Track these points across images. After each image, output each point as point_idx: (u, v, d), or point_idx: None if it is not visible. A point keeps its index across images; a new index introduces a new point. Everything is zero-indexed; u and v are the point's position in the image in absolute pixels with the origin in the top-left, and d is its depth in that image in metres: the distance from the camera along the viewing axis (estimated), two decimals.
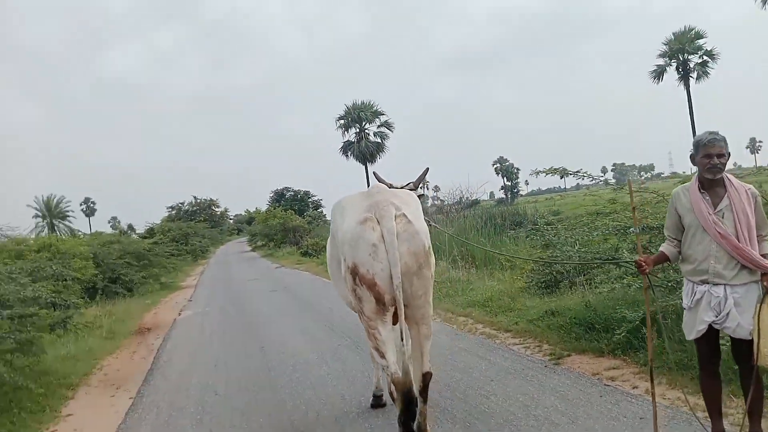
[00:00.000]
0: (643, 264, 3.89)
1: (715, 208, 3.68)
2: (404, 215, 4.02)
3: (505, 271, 12.20)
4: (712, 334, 3.74)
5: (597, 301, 7.27)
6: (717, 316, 3.64)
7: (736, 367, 3.87)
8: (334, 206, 4.57)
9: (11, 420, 6.27)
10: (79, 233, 38.36)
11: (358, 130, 53.23)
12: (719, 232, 3.62)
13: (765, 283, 3.56)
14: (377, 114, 53.31)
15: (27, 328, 7.05)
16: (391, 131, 54.05)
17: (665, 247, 3.97)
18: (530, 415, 4.79)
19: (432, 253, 4.20)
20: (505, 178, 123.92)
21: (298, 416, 5.50)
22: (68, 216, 47.77)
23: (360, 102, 52.95)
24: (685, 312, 3.84)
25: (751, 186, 3.83)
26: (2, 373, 6.40)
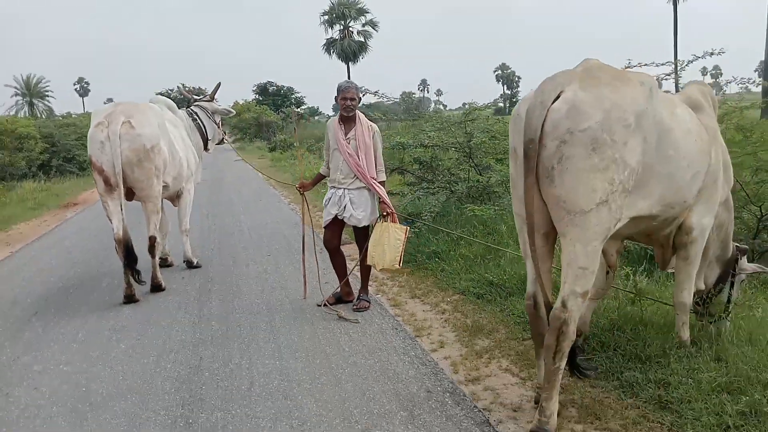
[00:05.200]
0: (300, 188, 5.54)
1: (345, 135, 5.17)
2: (129, 122, 5.54)
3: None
4: (336, 224, 5.32)
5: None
6: (338, 209, 5.22)
7: None
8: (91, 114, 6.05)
9: None
10: (57, 115, 39.53)
11: (341, 27, 53.05)
12: (348, 153, 5.13)
13: (382, 211, 5.13)
14: (362, 12, 52.92)
15: None
16: (376, 30, 53.92)
17: (322, 169, 5.49)
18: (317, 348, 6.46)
19: (158, 151, 5.74)
20: (505, 87, 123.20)
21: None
22: (47, 96, 48.85)
23: None
24: (324, 208, 5.40)
25: (374, 124, 5.32)
26: None
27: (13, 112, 38.95)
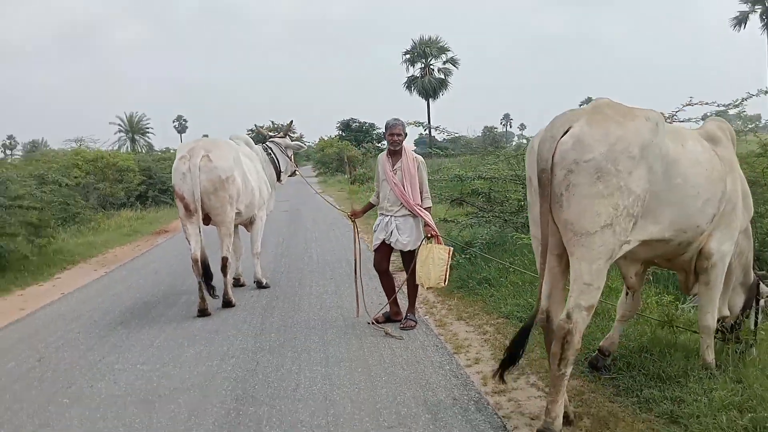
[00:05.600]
0: (352, 216, 6.05)
1: (393, 167, 5.64)
2: (208, 156, 6.25)
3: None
4: (384, 248, 5.76)
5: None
6: (386, 235, 5.67)
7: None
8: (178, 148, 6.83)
9: (16, 276, 9.08)
10: (156, 150, 42.37)
11: (422, 65, 54.27)
12: (394, 182, 5.60)
13: (426, 234, 5.54)
14: (443, 50, 54.03)
15: (32, 218, 9.86)
16: (456, 68, 54.79)
17: (372, 198, 5.97)
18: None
19: (232, 182, 6.41)
20: None
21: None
22: (148, 132, 52.75)
23: (427, 37, 53.77)
24: (373, 234, 5.86)
25: (419, 156, 5.76)
26: (12, 246, 9.21)
27: (116, 148, 42.20)
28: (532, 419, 3.70)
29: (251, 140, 7.91)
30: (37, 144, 71.69)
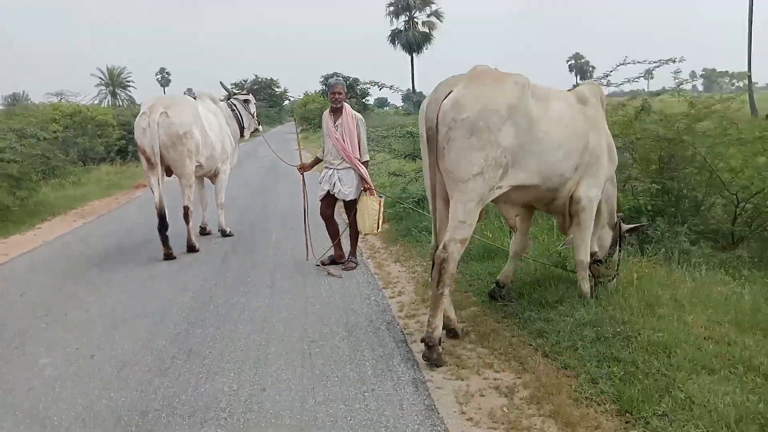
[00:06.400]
0: (300, 169, 6.64)
1: (334, 123, 6.31)
2: (166, 113, 6.87)
3: None
4: (328, 197, 6.47)
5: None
6: (330, 186, 6.37)
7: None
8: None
9: None
10: (138, 104, 42.31)
11: (407, 18, 53.98)
12: (336, 138, 6.28)
13: (363, 186, 6.23)
14: (427, 2, 53.60)
15: (13, 171, 10.42)
16: (441, 21, 54.52)
17: (319, 153, 6.63)
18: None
19: (190, 137, 7.05)
20: (578, 77, 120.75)
21: None
22: (129, 86, 52.58)
23: None
24: (319, 185, 6.56)
25: (359, 114, 6.41)
26: None
27: (97, 102, 42.19)
28: None
29: (216, 97, 8.51)
30: (17, 97, 70.87)
